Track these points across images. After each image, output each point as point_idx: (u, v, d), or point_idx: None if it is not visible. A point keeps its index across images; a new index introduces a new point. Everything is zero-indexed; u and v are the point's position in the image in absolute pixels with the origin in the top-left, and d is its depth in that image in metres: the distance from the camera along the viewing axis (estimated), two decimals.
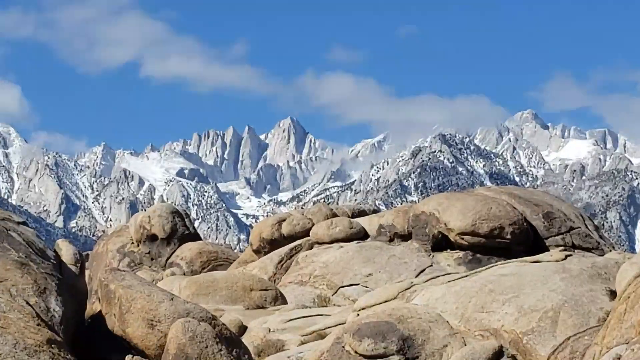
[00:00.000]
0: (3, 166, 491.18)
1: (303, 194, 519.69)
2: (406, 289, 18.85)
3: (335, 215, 33.38)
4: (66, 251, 18.46)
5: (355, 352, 15.57)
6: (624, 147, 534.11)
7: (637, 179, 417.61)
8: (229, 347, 14.83)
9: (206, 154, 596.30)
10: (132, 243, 37.91)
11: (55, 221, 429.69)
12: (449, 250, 29.15)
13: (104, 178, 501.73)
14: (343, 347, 16.08)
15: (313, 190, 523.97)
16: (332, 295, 26.43)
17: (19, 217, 17.63)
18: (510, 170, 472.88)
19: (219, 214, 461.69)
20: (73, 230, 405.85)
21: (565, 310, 16.13)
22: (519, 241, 27.93)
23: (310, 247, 30.92)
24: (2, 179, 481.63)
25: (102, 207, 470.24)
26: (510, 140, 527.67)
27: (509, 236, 27.84)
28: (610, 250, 28.35)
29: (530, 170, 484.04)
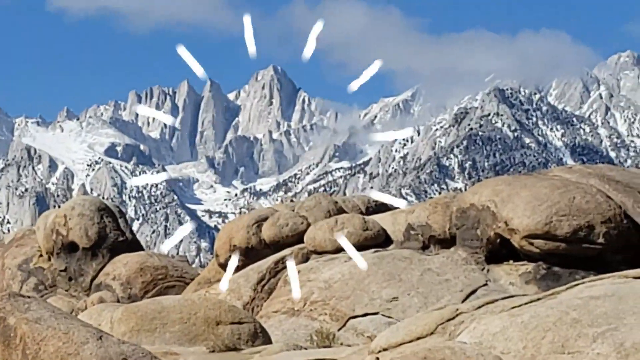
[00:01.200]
0: None
1: (293, 179, 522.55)
2: (449, 320, 18.48)
3: (341, 211, 33.09)
4: None
5: None
6: None
7: None
8: None
9: (149, 123, 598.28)
10: (41, 256, 37.85)
11: None
12: (511, 261, 29.02)
13: None
14: None
15: (308, 174, 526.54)
16: (339, 329, 26.33)
17: None
18: (601, 141, 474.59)
19: (168, 211, 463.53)
20: None
21: None
22: (617, 247, 27.89)
23: (306, 259, 30.60)
24: None
25: None
26: (601, 97, 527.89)
27: (601, 239, 27.53)
28: None
29: (632, 141, 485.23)
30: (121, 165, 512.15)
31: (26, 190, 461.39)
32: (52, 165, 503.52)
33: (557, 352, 16.59)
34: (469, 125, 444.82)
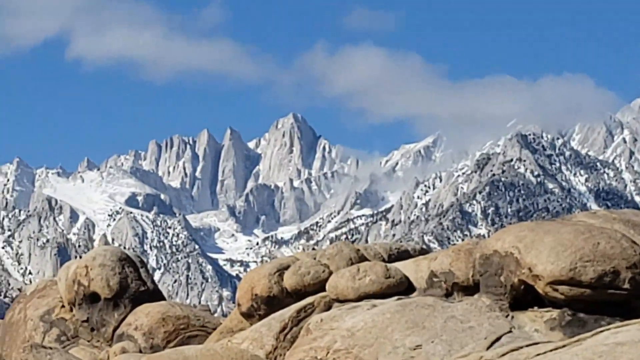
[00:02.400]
0: None
1: (315, 227, 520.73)
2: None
3: (363, 258, 32.84)
4: None
5: None
6: None
7: None
8: None
9: (169, 172, 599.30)
10: (63, 307, 37.65)
11: None
12: (536, 307, 28.09)
13: (19, 211, 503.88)
14: None
15: (329, 222, 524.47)
16: None
17: None
18: (626, 185, 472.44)
19: (190, 260, 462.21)
20: None
21: None
22: None
23: (328, 308, 30.12)
24: None
25: (16, 253, 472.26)
26: (625, 141, 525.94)
27: (627, 285, 26.58)
28: None
29: None
30: (142, 215, 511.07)
31: (47, 241, 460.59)
32: (73, 216, 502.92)
33: None
34: (491, 171, 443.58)
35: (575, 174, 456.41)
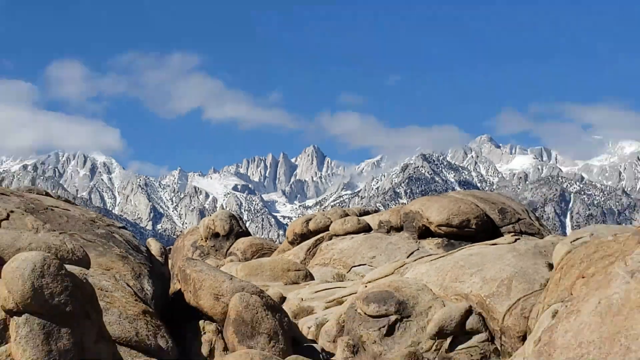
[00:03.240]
0: (108, 187, 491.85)
1: (323, 200, 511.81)
2: (400, 267, 17.23)
3: (347, 214, 31.88)
4: (154, 247, 17.15)
5: (365, 313, 14.48)
6: (556, 159, 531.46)
7: (565, 182, 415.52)
8: (273, 313, 13.61)
9: (253, 173, 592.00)
10: (202, 239, 36.71)
11: (147, 225, 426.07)
12: (430, 237, 27.89)
13: (180, 193, 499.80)
14: (356, 310, 15.00)
15: (331, 197, 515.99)
16: (347, 272, 25.02)
17: (119, 223, 16.35)
18: (473, 178, 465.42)
19: (263, 217, 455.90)
20: (159, 232, 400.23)
21: (516, 279, 14.77)
22: (481, 230, 26.63)
23: (330, 238, 28.88)
24: (108, 196, 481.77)
25: (179, 214, 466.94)
26: (473, 157, 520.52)
27: (474, 226, 26.49)
28: (548, 235, 27.09)
29: (488, 178, 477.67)
30: (240, 195, 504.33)
31: (194, 208, 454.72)
32: (207, 196, 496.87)
33: (453, 282, 15.57)
34: (409, 172, 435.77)
35: (449, 173, 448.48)
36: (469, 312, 13.60)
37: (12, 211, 12.75)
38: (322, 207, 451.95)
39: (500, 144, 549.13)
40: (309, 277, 23.02)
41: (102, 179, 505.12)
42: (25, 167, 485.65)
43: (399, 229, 27.41)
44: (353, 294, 16.15)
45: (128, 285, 12.84)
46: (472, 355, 13.31)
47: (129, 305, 12.21)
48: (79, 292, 10.25)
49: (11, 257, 10.27)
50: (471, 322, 13.50)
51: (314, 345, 14.08)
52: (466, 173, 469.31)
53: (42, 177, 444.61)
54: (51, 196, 15.17)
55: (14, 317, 9.59)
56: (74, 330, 9.97)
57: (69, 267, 10.83)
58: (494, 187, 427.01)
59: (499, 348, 13.85)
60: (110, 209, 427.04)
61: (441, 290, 14.48)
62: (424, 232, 26.30)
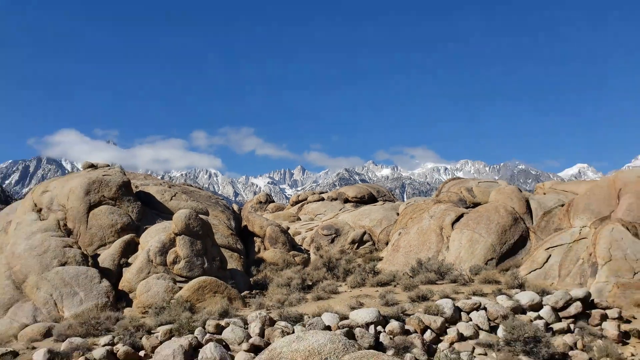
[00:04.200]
0: (216, 182, 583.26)
1: (304, 188, 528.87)
2: (336, 215, 29.57)
3: (314, 193, 42.15)
4: (235, 207, 29.06)
5: (322, 233, 27.09)
6: None
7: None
8: (284, 233, 25.70)
9: (278, 177, 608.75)
10: (255, 204, 44.78)
11: (233, 198, 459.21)
12: (349, 203, 37.06)
13: (246, 185, 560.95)
14: (318, 232, 27.60)
15: (311, 187, 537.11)
16: (314, 217, 33.29)
17: (220, 197, 28.99)
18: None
19: (280, 195, 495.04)
20: (238, 200, 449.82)
21: (384, 219, 27.32)
22: (369, 199, 36.87)
23: (307, 203, 38.92)
24: (217, 187, 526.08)
25: (245, 194, 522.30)
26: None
27: (366, 198, 37.18)
28: (397, 202, 35.81)
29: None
30: (271, 186, 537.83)
31: (253, 191, 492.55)
32: (257, 186, 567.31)
33: (359, 220, 26.58)
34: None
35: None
36: (364, 233, 28.56)
37: (176, 193, 29.49)
38: (304, 190, 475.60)
39: None
40: (298, 219, 34.65)
41: (215, 179, 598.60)
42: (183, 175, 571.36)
43: (335, 199, 39.04)
44: (317, 226, 30.18)
45: (224, 222, 26.91)
46: (366, 250, 28.27)
47: (225, 230, 25.29)
48: (204, 225, 21.13)
49: (177, 212, 24.28)
50: (365, 237, 28.63)
51: (301, 247, 29.08)
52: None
53: (191, 180, 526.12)
54: (192, 186, 31.68)
55: (177, 236, 19.43)
56: (202, 241, 20.14)
57: (200, 215, 25.57)
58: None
59: (377, 247, 27.15)
60: (217, 190, 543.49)
61: (353, 224, 28.79)
62: (346, 200, 37.80)
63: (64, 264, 18.29)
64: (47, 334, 14.84)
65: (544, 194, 26.90)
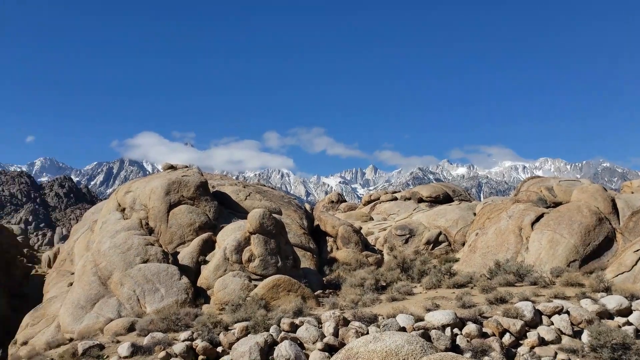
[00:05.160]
0: (288, 182, 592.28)
1: (378, 187, 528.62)
2: (410, 215, 29.87)
3: (386, 192, 41.93)
4: (307, 207, 29.73)
5: (395, 234, 27.97)
6: None
7: None
8: (356, 233, 25.78)
9: (349, 177, 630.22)
10: (326, 203, 45.69)
11: (304, 197, 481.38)
12: (423, 202, 36.63)
13: (318, 185, 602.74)
14: (392, 232, 27.83)
15: (385, 187, 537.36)
16: (387, 217, 32.74)
17: (293, 197, 29.57)
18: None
19: (351, 194, 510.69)
20: (310, 200, 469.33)
21: (460, 219, 27.46)
22: (444, 199, 36.22)
23: (379, 203, 39.40)
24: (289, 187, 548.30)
25: (317, 193, 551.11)
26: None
27: (441, 197, 36.59)
28: (474, 201, 36.13)
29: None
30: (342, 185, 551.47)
31: (324, 191, 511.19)
32: (329, 186, 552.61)
33: (433, 220, 26.70)
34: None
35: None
36: (440, 233, 28.50)
37: (250, 193, 30.15)
38: (376, 189, 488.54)
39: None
40: (370, 219, 34.54)
41: (288, 179, 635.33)
42: (256, 175, 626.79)
43: (409, 198, 38.51)
44: (390, 226, 30.51)
45: (297, 221, 27.37)
46: (441, 251, 28.16)
47: (297, 230, 25.78)
48: (277, 224, 21.82)
49: (251, 211, 25.44)
50: (441, 238, 28.71)
51: (374, 247, 29.15)
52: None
53: (264, 180, 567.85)
54: (265, 186, 32.42)
55: (252, 235, 20.75)
56: (276, 240, 20.91)
57: (274, 214, 25.87)
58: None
59: (452, 248, 27.03)
60: (289, 190, 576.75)
61: (428, 224, 28.53)
62: (420, 200, 37.24)
63: (146, 261, 19.01)
64: (131, 328, 15.55)
65: (632, 192, 25.88)
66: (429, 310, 14.93)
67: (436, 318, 13.73)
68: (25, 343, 18.38)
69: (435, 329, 13.36)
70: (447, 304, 15.63)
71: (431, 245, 27.45)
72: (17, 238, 38.32)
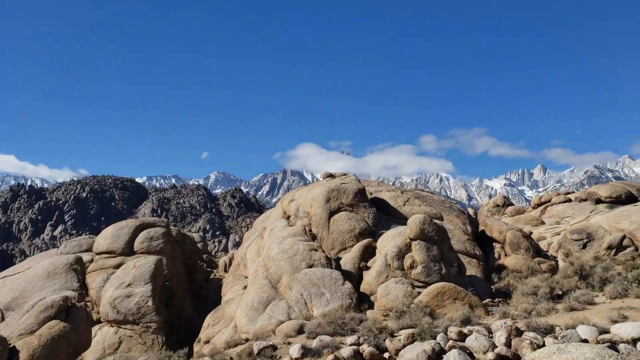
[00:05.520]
0: (448, 187, 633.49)
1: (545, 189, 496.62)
2: (587, 217, 27.53)
3: (558, 194, 39.66)
4: (471, 211, 29.35)
5: (571, 238, 26.19)
6: None
7: None
8: (526, 238, 24.56)
9: (515, 179, 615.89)
10: (491, 207, 44.71)
11: (467, 202, 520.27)
12: (601, 203, 34.51)
13: (478, 187, 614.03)
14: (566, 237, 25.99)
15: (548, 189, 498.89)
16: (560, 220, 30.54)
17: (454, 201, 29.17)
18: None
19: (518, 197, 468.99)
20: (473, 205, 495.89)
21: None
22: (626, 199, 33.59)
23: (551, 205, 38.65)
24: (449, 191, 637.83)
25: (480, 197, 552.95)
26: None
27: (623, 197, 33.77)
28: None
29: None
30: (508, 188, 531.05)
31: (487, 194, 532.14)
32: (493, 189, 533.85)
33: (615, 223, 24.88)
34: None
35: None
36: (624, 237, 26.38)
37: (409, 198, 29.77)
38: (546, 191, 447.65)
39: None
40: (541, 223, 33.25)
41: (447, 183, 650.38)
42: (413, 180, 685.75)
43: (585, 200, 36.58)
44: (564, 230, 28.27)
45: (460, 227, 27.03)
46: (626, 257, 26.12)
47: (461, 235, 25.35)
48: (439, 230, 21.11)
49: (411, 217, 24.83)
50: (625, 242, 26.56)
51: (547, 253, 27.86)
52: None
53: (421, 184, 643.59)
54: (424, 191, 32.12)
55: (413, 241, 20.35)
56: (438, 246, 20.13)
57: (435, 220, 25.46)
58: None
59: None
60: (449, 194, 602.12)
61: (609, 227, 26.40)
62: (598, 201, 35.13)
63: (310, 266, 19.60)
64: (300, 330, 16.01)
65: None
66: (615, 321, 13.48)
67: (625, 330, 12.28)
68: (207, 342, 19.63)
69: (623, 342, 11.95)
70: (637, 316, 13.95)
71: (614, 250, 25.42)
72: (197, 245, 41.85)
